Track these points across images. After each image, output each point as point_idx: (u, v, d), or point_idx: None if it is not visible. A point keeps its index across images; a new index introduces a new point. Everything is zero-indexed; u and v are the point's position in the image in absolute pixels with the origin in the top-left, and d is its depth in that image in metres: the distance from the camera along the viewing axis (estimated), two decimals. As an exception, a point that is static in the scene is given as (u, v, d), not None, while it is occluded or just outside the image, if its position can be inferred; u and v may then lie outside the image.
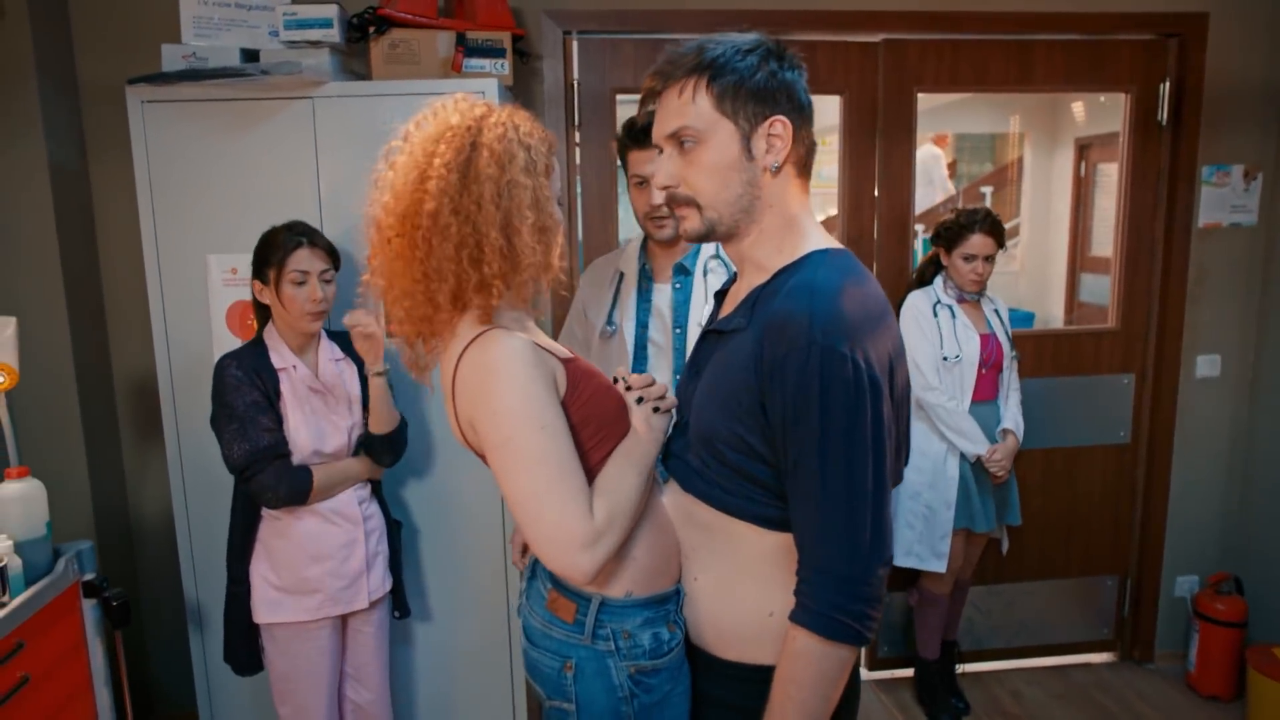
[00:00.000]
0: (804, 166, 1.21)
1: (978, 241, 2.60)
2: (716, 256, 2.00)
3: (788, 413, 1.07)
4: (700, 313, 1.96)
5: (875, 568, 1.07)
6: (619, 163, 2.05)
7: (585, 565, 1.11)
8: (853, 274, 1.16)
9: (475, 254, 1.15)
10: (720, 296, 1.37)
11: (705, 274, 1.98)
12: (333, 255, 1.96)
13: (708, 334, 1.28)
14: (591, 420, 1.18)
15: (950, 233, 2.64)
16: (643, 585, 1.21)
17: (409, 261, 1.16)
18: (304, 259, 1.89)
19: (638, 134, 1.87)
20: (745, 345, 1.14)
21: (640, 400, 1.24)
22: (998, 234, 2.63)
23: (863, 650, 1.35)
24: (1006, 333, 2.74)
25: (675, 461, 1.26)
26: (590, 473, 1.16)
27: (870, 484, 1.06)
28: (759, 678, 1.15)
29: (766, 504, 1.16)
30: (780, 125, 1.15)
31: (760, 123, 1.14)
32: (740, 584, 1.21)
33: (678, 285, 1.98)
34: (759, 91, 1.14)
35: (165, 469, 2.33)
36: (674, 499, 1.28)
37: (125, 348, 2.59)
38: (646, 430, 1.22)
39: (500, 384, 1.12)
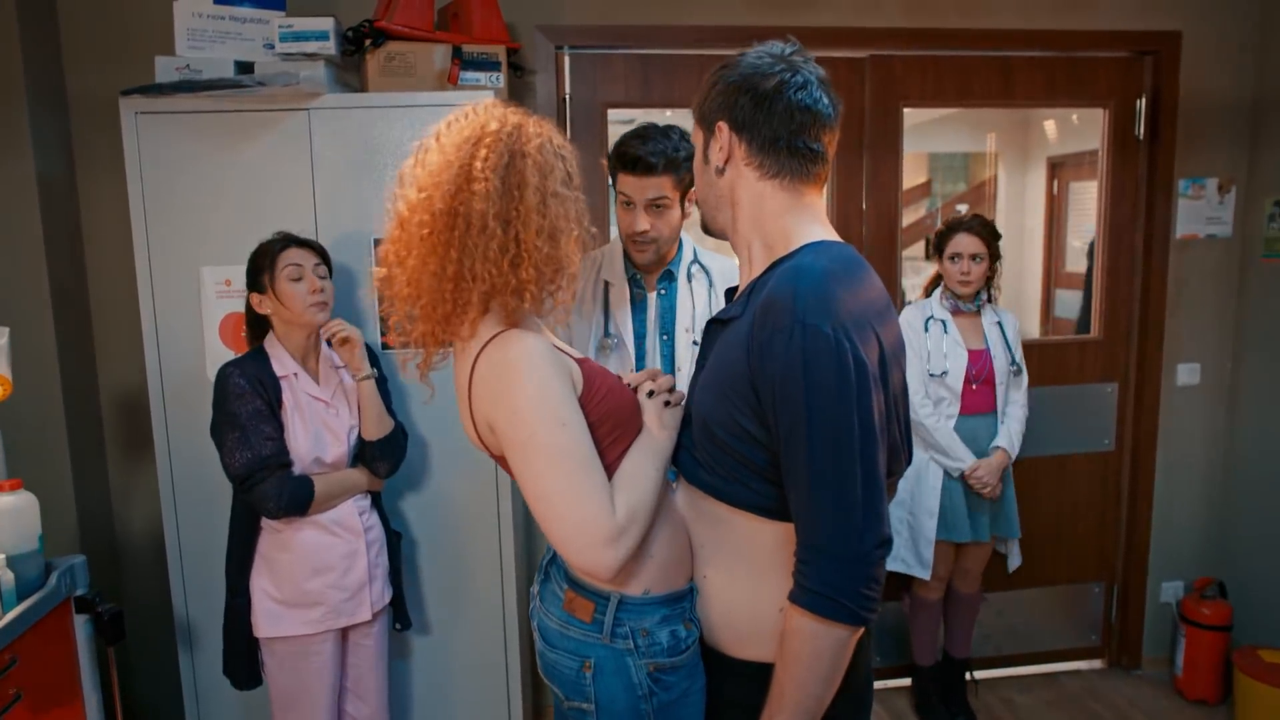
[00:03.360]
0: (781, 167, 1.21)
1: (962, 240, 2.63)
2: (696, 262, 2.04)
3: (776, 393, 1.09)
4: (688, 318, 1.98)
5: (870, 547, 1.07)
6: (610, 180, 2.05)
7: (610, 561, 1.11)
8: (844, 261, 1.19)
9: (516, 259, 1.15)
10: (731, 294, 1.39)
11: (689, 279, 2.02)
12: (322, 254, 1.97)
13: (711, 325, 1.31)
14: (607, 419, 1.19)
15: (940, 237, 2.68)
16: (660, 583, 1.21)
17: (441, 259, 1.16)
18: (295, 255, 1.91)
19: (632, 162, 1.87)
20: (740, 331, 1.16)
21: (651, 394, 1.25)
22: (985, 234, 2.64)
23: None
24: (1009, 346, 2.73)
25: (681, 454, 1.27)
26: (607, 470, 1.16)
27: (859, 463, 1.06)
28: (771, 676, 1.15)
29: (764, 493, 1.16)
30: (719, 129, 1.23)
31: (713, 129, 1.24)
32: (747, 578, 1.21)
33: (662, 291, 2.02)
34: (714, 100, 1.24)
35: (153, 483, 2.29)
36: (681, 494, 1.29)
37: (113, 361, 2.56)
38: (659, 425, 1.23)
39: (521, 382, 1.12)
